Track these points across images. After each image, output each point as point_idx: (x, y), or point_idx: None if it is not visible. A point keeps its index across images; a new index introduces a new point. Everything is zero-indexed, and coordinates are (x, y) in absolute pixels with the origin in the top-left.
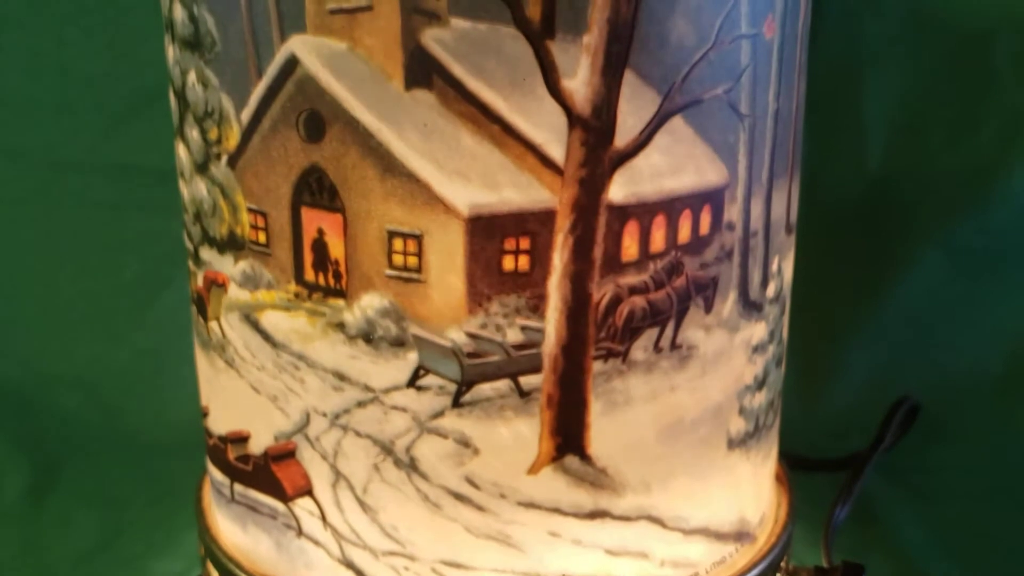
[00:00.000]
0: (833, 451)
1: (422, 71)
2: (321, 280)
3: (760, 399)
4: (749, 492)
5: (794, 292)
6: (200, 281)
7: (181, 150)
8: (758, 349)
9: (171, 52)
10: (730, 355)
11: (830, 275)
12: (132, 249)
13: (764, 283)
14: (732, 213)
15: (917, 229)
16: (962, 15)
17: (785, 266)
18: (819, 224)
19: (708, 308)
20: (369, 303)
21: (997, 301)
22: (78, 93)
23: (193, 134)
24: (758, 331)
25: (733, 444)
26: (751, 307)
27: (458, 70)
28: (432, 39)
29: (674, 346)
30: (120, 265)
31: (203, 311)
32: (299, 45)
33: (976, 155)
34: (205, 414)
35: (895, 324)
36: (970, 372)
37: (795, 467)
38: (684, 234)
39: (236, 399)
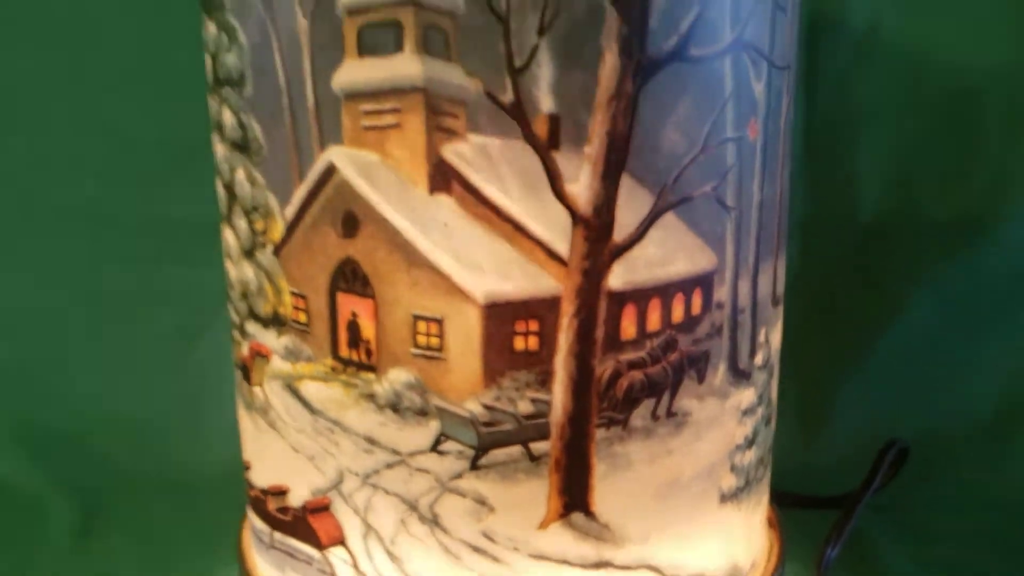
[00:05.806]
0: (825, 491)
1: (443, 179)
2: (354, 356)
3: (750, 456)
4: (741, 540)
5: (788, 337)
6: (245, 351)
7: (229, 235)
8: (747, 412)
9: (219, 149)
10: (721, 420)
11: (824, 321)
12: (170, 300)
13: (752, 353)
14: (721, 294)
15: (908, 277)
16: (951, 73)
17: (772, 336)
18: (813, 272)
19: (701, 379)
20: (396, 377)
21: (985, 345)
22: (119, 154)
23: (241, 224)
24: (747, 396)
25: (725, 498)
26: (740, 375)
27: (475, 178)
28: (452, 152)
29: (670, 414)
30: (159, 315)
31: (247, 377)
32: (337, 155)
33: (966, 206)
34: (247, 468)
35: (886, 368)
36: (959, 415)
37: (787, 505)
38: (677, 315)
39: (277, 457)
